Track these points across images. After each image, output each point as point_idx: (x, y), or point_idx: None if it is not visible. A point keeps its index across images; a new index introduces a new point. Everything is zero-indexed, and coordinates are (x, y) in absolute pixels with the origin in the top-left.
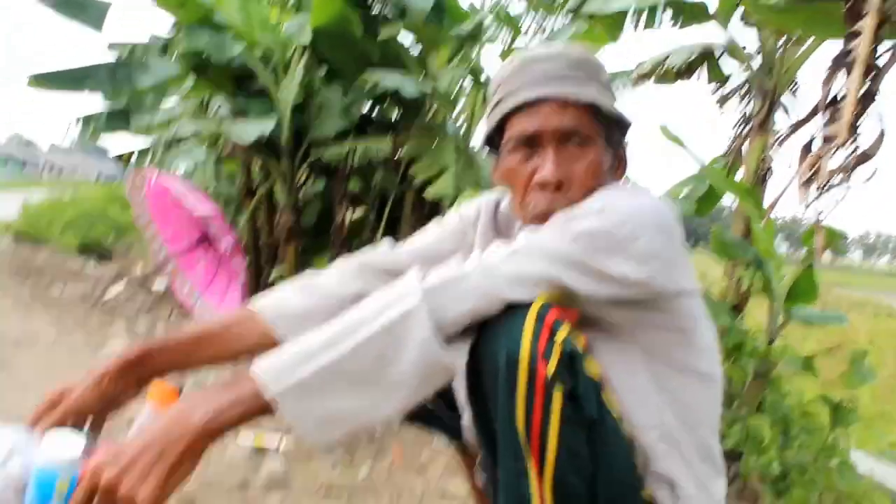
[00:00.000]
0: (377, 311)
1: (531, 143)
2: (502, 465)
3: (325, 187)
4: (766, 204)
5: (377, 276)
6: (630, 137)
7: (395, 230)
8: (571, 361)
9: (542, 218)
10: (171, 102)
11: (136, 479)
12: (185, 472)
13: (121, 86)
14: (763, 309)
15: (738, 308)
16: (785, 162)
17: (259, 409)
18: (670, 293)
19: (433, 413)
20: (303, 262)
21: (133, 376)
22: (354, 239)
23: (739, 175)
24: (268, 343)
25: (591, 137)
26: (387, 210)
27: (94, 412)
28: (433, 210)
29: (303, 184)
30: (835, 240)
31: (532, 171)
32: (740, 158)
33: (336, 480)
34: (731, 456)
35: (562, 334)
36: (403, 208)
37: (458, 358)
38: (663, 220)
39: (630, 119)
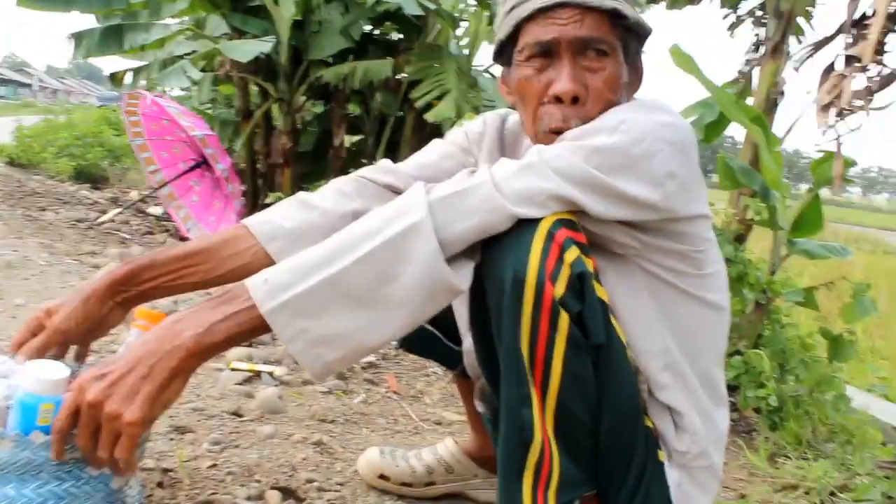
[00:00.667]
0: (380, 224)
1: (547, 53)
2: (504, 390)
3: (323, 110)
4: (774, 131)
5: (377, 194)
6: (647, 48)
7: (395, 154)
8: (580, 283)
9: (555, 133)
10: (167, 20)
11: (123, 397)
12: (174, 391)
13: (113, 2)
14: (765, 240)
15: (741, 238)
16: (798, 88)
17: (253, 326)
18: (682, 217)
19: (431, 340)
20: (300, 187)
21: (120, 296)
22: (353, 163)
23: (750, 102)
24: (262, 262)
25: (611, 47)
26: (386, 133)
27: (79, 335)
28: (434, 133)
29: (301, 107)
30: (849, 167)
31: (547, 83)
32: (751, 84)
33: (331, 408)
34: (730, 388)
35: (572, 254)
36: (403, 132)
37: (464, 277)
38: (682, 139)
39: (650, 27)
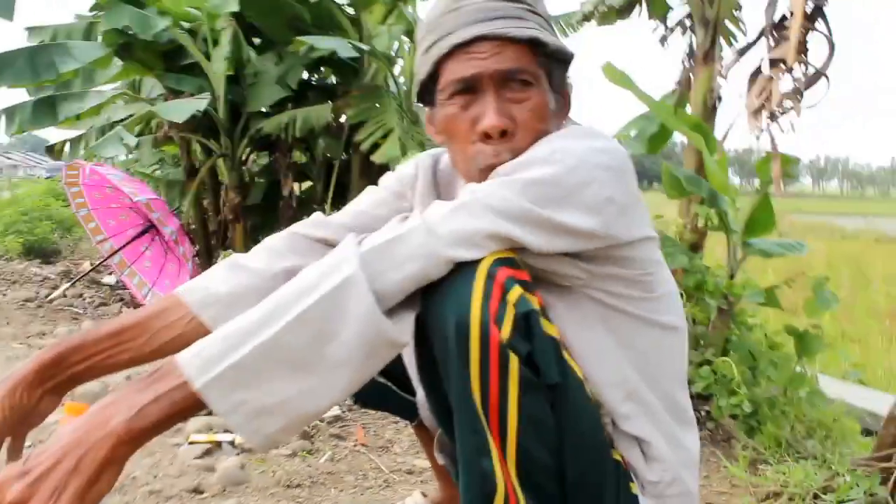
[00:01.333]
0: (312, 282)
1: (469, 89)
2: (460, 441)
3: (269, 161)
4: (717, 136)
5: (311, 249)
6: (573, 74)
7: (345, 199)
8: (527, 322)
9: (488, 171)
10: (101, 87)
11: (48, 495)
12: (106, 484)
13: (42, 73)
14: (721, 244)
15: (695, 246)
16: (734, 91)
17: (187, 404)
18: (626, 242)
19: (384, 392)
20: (254, 240)
21: (50, 381)
22: (304, 211)
23: (689, 110)
24: (196, 332)
25: (534, 77)
26: (333, 179)
27: (8, 428)
28: (382, 174)
29: (246, 160)
30: (789, 166)
31: (473, 119)
32: (688, 93)
33: (296, 471)
34: (702, 398)
35: (515, 294)
36: (351, 174)
37: (405, 329)
38: (617, 163)
39: (572, 52)
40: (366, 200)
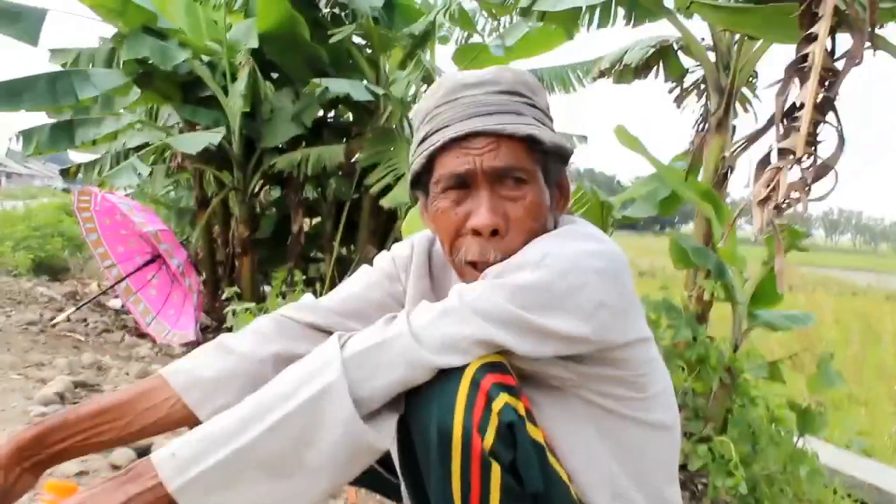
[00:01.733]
0: (292, 387)
1: (463, 185)
2: None
3: (280, 197)
4: (727, 201)
5: (298, 334)
6: (571, 161)
7: (353, 238)
8: (511, 431)
9: (473, 266)
10: (119, 112)
11: None
12: None
13: (61, 99)
14: (727, 313)
15: (701, 318)
16: (746, 163)
17: None
18: (619, 345)
19: (371, 474)
20: (262, 273)
21: (29, 460)
22: (312, 247)
23: (701, 176)
24: (179, 414)
25: (529, 174)
26: (343, 218)
27: None
28: (391, 217)
29: (257, 194)
30: (797, 240)
31: (465, 215)
32: (701, 158)
33: None
34: (699, 473)
35: (499, 402)
36: (361, 215)
37: (386, 433)
38: (609, 266)
39: (570, 148)
40: (358, 282)
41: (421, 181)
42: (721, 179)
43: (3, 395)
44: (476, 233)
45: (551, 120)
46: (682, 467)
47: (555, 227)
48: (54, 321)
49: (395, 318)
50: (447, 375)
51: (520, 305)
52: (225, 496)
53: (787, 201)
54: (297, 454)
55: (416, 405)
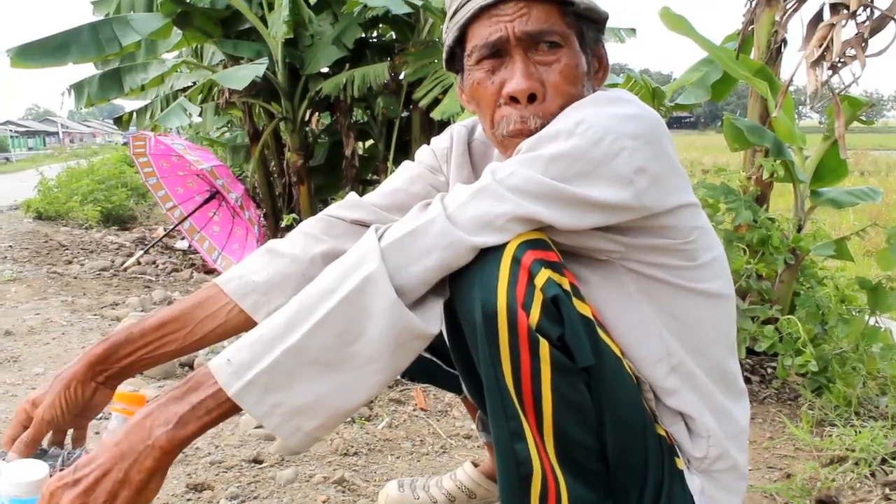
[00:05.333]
0: (334, 282)
1: (497, 53)
2: (493, 426)
3: (331, 123)
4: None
5: (346, 232)
6: (605, 33)
7: (407, 156)
8: (556, 305)
9: (516, 137)
10: (165, 56)
11: None
12: (152, 491)
13: (106, 47)
14: (790, 194)
15: (761, 199)
16: (797, 34)
17: (223, 410)
18: (663, 211)
19: (431, 368)
20: (321, 201)
21: (102, 375)
22: (367, 170)
23: (753, 55)
24: (237, 320)
25: (563, 38)
26: (394, 137)
27: (67, 423)
28: (442, 129)
29: (308, 122)
30: (859, 109)
31: (500, 84)
32: (752, 35)
33: (354, 438)
34: (769, 356)
35: (542, 277)
36: (412, 131)
37: (433, 319)
38: (646, 130)
39: (605, 11)
40: (401, 177)
41: (455, 58)
42: (774, 55)
43: (82, 334)
44: (514, 100)
45: None
46: (751, 351)
47: None
48: (125, 265)
49: (430, 203)
50: (487, 255)
51: (555, 176)
52: (283, 395)
53: (841, 60)
54: (346, 347)
55: (460, 288)
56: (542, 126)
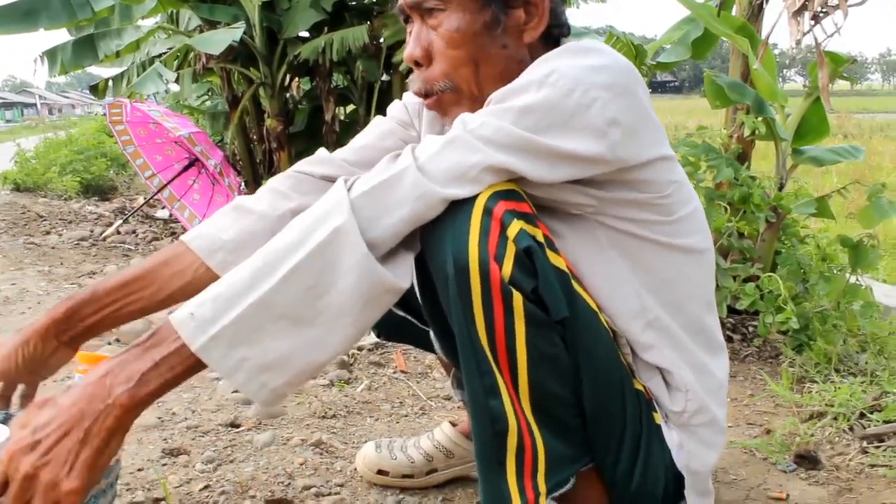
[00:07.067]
0: (302, 234)
1: (407, 19)
2: (467, 383)
3: (310, 87)
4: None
5: (315, 188)
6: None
7: None
8: (529, 257)
9: (423, 97)
10: (140, 22)
11: (60, 465)
12: (113, 450)
13: (78, 12)
14: (771, 154)
15: (742, 157)
16: None
17: (187, 366)
18: (637, 164)
19: (404, 325)
20: None
21: (66, 334)
22: (348, 135)
23: (735, 11)
24: (204, 278)
25: (444, 2)
26: (374, 101)
27: (21, 378)
28: None
29: (287, 87)
30: (841, 65)
31: None
32: None
33: (333, 401)
34: (750, 314)
35: (514, 228)
36: (392, 96)
37: (404, 273)
38: (619, 80)
39: None
40: (372, 132)
41: None
42: (756, 11)
43: (60, 299)
44: (416, 64)
45: None
46: (732, 310)
47: (532, 51)
48: (104, 235)
49: (400, 154)
50: (458, 207)
51: (526, 127)
52: (250, 350)
53: (823, 9)
54: (315, 302)
55: (431, 241)
56: (430, 90)
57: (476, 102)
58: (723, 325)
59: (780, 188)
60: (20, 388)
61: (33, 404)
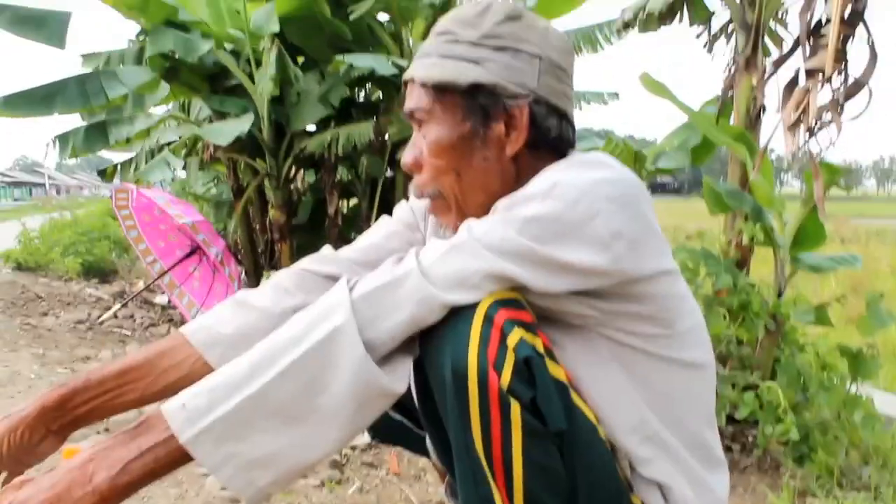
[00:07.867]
0: (302, 331)
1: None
2: (462, 492)
3: (315, 180)
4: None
5: (319, 286)
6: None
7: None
8: (529, 367)
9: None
10: (152, 110)
11: None
12: None
13: (92, 99)
14: (769, 259)
15: (741, 264)
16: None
17: (173, 458)
18: (640, 277)
19: (400, 429)
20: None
21: (55, 423)
22: (350, 230)
23: (733, 120)
24: (202, 372)
25: (427, 113)
26: (378, 196)
27: (5, 467)
28: None
29: (292, 179)
30: (837, 176)
31: None
32: (731, 100)
33: (324, 502)
34: (749, 424)
35: (514, 337)
36: (395, 192)
37: (400, 377)
38: (624, 193)
39: (467, 81)
40: (378, 232)
41: None
42: (753, 120)
43: (52, 383)
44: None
45: (484, 48)
46: (731, 419)
47: (517, 164)
48: (101, 319)
49: (404, 257)
50: (459, 313)
51: (530, 237)
52: (238, 446)
53: (818, 123)
54: (308, 400)
55: (430, 346)
56: (421, 195)
57: (460, 209)
58: (721, 434)
59: (779, 295)
60: (3, 475)
61: (13, 483)
